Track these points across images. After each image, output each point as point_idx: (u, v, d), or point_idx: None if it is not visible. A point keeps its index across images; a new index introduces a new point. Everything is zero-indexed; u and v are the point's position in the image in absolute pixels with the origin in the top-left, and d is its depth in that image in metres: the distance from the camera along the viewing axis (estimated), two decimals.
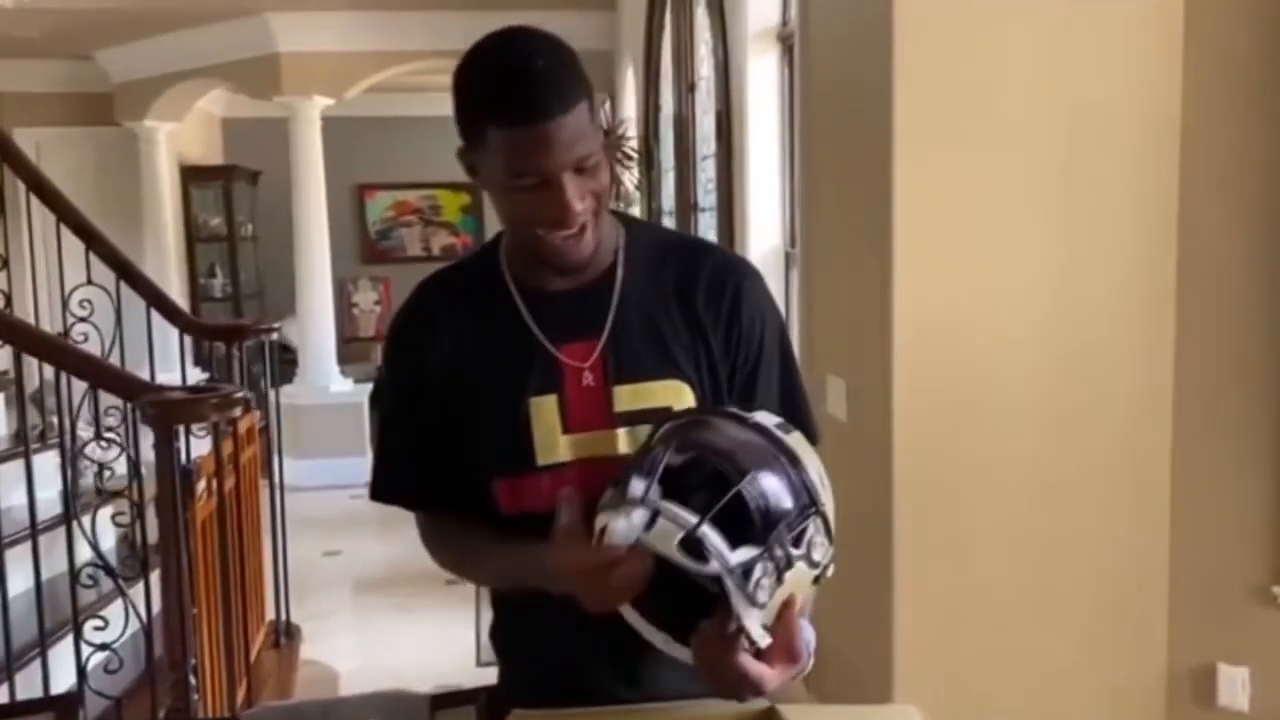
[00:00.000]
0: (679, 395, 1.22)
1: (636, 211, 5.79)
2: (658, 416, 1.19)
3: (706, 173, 4.39)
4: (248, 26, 6.31)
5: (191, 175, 8.02)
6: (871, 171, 2.42)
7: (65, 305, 3.42)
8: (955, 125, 2.34)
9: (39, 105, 7.55)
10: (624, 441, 1.21)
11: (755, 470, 1.03)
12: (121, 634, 2.53)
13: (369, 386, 7.11)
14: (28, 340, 2.48)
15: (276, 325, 3.75)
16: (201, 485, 2.57)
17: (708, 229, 4.38)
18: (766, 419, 1.12)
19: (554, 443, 1.20)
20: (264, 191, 8.43)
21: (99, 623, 2.54)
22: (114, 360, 3.42)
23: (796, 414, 1.25)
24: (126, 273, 3.48)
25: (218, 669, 2.66)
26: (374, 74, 6.66)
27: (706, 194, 4.45)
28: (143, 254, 7.44)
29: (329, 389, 6.73)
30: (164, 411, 2.31)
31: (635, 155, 5.67)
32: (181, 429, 2.46)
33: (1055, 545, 2.44)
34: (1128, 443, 2.47)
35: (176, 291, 7.57)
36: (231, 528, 2.73)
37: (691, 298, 1.25)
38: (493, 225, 6.78)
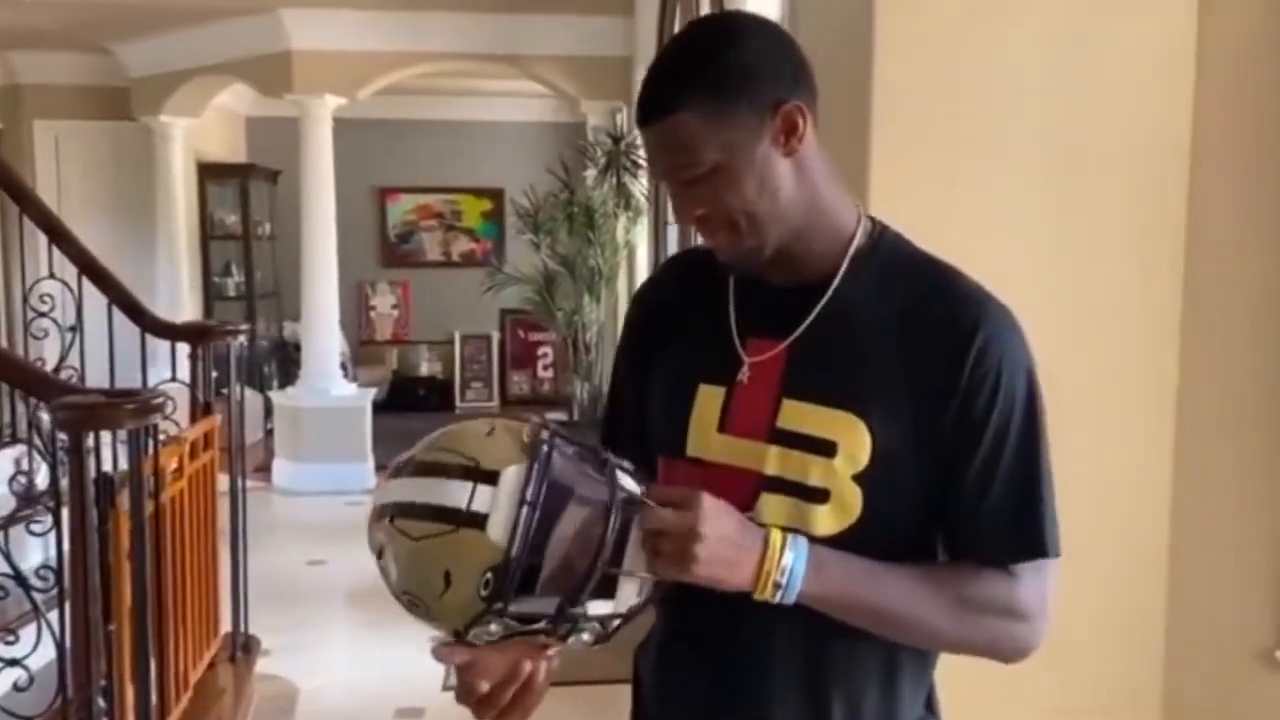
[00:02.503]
0: (851, 433, 1.07)
1: (644, 222, 5.64)
2: (817, 447, 1.06)
3: None
4: (261, 23, 6.23)
5: (209, 172, 7.98)
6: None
7: (25, 300, 3.32)
8: (939, 145, 2.15)
9: (58, 98, 7.56)
10: (774, 461, 1.08)
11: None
12: (33, 649, 2.39)
13: (373, 391, 7.00)
14: None
15: (244, 327, 3.60)
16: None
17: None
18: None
19: (706, 437, 1.12)
20: (283, 191, 8.37)
21: (10, 637, 2.41)
22: (74, 362, 3.32)
23: (1031, 525, 1.09)
24: (92, 271, 3.36)
25: (140, 688, 2.51)
26: (387, 74, 6.55)
27: None
28: (155, 250, 7.42)
29: (331, 393, 6.61)
30: (75, 416, 2.17)
31: (644, 164, 5.52)
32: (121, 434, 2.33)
33: None
34: (1123, 496, 2.26)
35: (187, 288, 7.53)
36: (153, 539, 2.58)
37: (918, 331, 1.09)
38: (513, 231, 6.60)
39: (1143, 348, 2.25)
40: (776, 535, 1.01)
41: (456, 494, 0.96)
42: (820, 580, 1.02)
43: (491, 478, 0.96)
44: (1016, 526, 1.09)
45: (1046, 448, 1.12)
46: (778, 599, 1.01)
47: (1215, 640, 2.28)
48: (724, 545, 0.98)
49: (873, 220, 1.17)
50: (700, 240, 1.16)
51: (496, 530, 0.94)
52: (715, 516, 0.99)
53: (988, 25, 2.13)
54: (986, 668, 1.27)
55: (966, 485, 1.08)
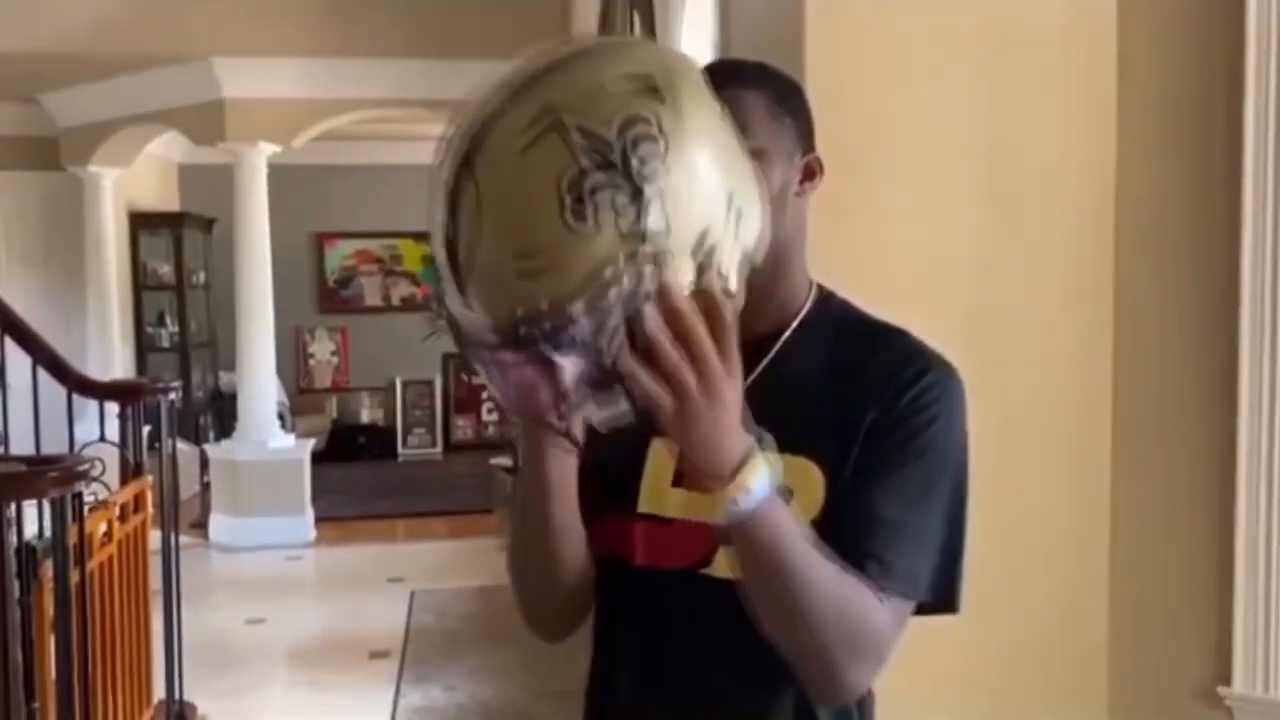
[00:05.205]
0: (805, 476, 1.07)
1: None
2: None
3: None
4: (193, 71, 6.15)
5: (141, 222, 7.84)
6: None
7: None
8: (863, 162, 2.16)
9: None
10: None
11: None
12: None
13: (312, 442, 6.88)
14: None
15: (175, 384, 3.51)
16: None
17: None
18: None
19: (661, 492, 1.11)
20: (218, 239, 8.25)
21: None
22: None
23: (912, 554, 1.07)
24: (16, 331, 3.26)
25: None
26: (322, 121, 6.50)
27: None
28: (86, 301, 7.26)
29: (268, 445, 6.48)
30: None
31: None
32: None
33: (977, 643, 2.22)
34: (1062, 531, 2.27)
35: (119, 339, 7.37)
36: (80, 609, 2.49)
37: (856, 375, 1.11)
38: None
39: (1078, 367, 2.24)
40: (760, 454, 0.95)
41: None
42: (771, 514, 0.95)
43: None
44: (895, 550, 1.07)
45: (961, 501, 1.13)
46: (732, 509, 0.94)
47: (1157, 676, 2.28)
48: (724, 412, 0.91)
49: (821, 288, 1.19)
50: None
51: None
52: (735, 381, 0.91)
53: (908, 45, 2.16)
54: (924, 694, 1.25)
55: (868, 490, 1.06)
